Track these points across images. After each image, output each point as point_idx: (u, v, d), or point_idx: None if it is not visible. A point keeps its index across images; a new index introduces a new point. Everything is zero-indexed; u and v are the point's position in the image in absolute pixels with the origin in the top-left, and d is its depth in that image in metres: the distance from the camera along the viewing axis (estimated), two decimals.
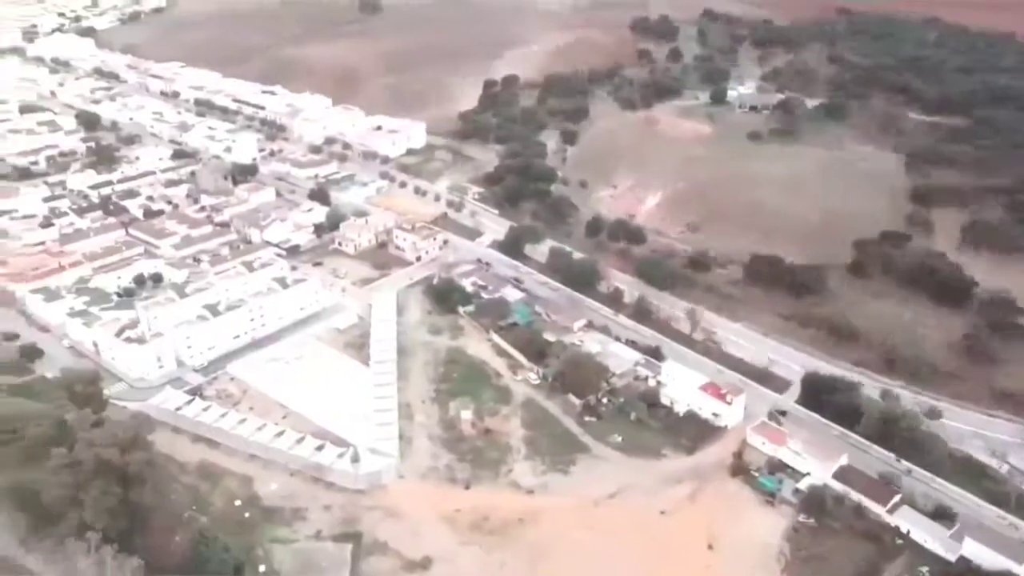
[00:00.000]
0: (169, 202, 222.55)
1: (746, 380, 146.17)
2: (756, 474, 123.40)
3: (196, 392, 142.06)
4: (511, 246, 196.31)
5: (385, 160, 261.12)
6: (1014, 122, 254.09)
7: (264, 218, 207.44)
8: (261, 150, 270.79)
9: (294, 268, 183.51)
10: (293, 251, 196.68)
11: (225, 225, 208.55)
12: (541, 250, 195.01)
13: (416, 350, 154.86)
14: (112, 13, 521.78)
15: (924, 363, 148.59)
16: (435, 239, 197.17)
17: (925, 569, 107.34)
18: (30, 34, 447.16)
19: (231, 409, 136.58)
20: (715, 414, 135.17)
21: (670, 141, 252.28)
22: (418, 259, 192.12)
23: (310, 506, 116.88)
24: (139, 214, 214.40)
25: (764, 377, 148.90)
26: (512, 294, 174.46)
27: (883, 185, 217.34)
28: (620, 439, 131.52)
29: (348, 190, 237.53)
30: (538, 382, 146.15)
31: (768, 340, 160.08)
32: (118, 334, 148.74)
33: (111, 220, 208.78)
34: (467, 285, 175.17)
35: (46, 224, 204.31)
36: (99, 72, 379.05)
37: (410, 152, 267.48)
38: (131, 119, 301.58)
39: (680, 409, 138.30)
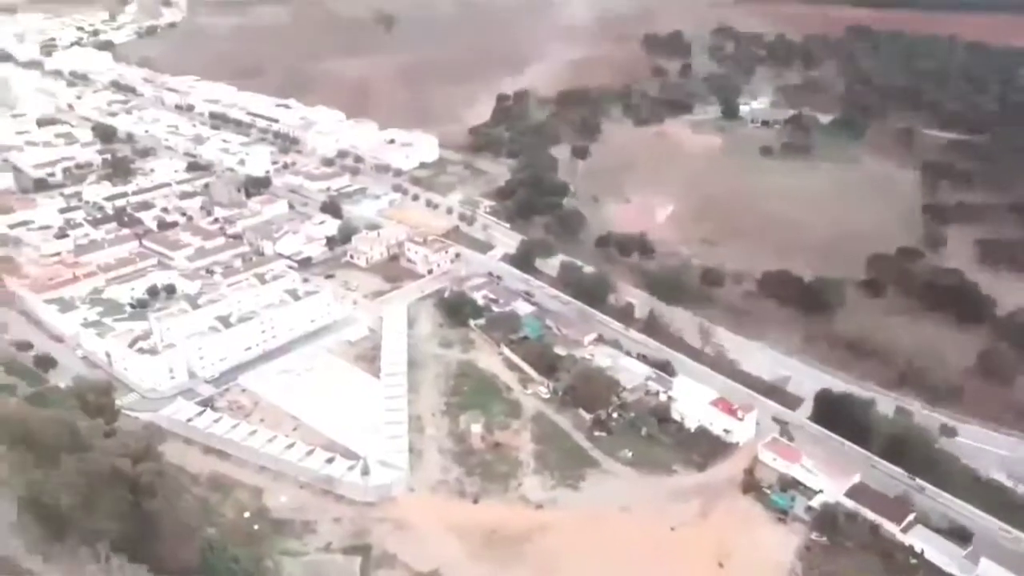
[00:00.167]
0: (183, 214, 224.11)
1: (757, 396, 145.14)
2: (768, 491, 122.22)
3: (207, 403, 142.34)
4: (522, 260, 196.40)
5: (398, 173, 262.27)
6: None
7: (277, 230, 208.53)
8: (274, 163, 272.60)
9: (306, 280, 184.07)
10: (305, 263, 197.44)
11: (238, 237, 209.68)
12: (552, 264, 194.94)
13: (427, 363, 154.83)
14: (129, 27, 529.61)
15: (939, 380, 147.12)
16: (447, 252, 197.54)
17: None
18: (48, 48, 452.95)
19: (242, 421, 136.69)
20: (726, 430, 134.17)
21: (682, 155, 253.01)
22: (429, 272, 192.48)
23: (320, 518, 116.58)
24: (153, 226, 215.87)
25: (776, 393, 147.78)
26: (523, 307, 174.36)
27: (898, 201, 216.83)
28: (630, 454, 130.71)
29: (360, 203, 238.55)
30: (548, 396, 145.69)
31: (781, 355, 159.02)
32: (131, 345, 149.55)
33: (125, 231, 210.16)
34: (478, 298, 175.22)
35: (61, 235, 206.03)
36: (116, 85, 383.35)
37: (422, 165, 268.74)
38: (147, 132, 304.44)
39: (691, 424, 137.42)
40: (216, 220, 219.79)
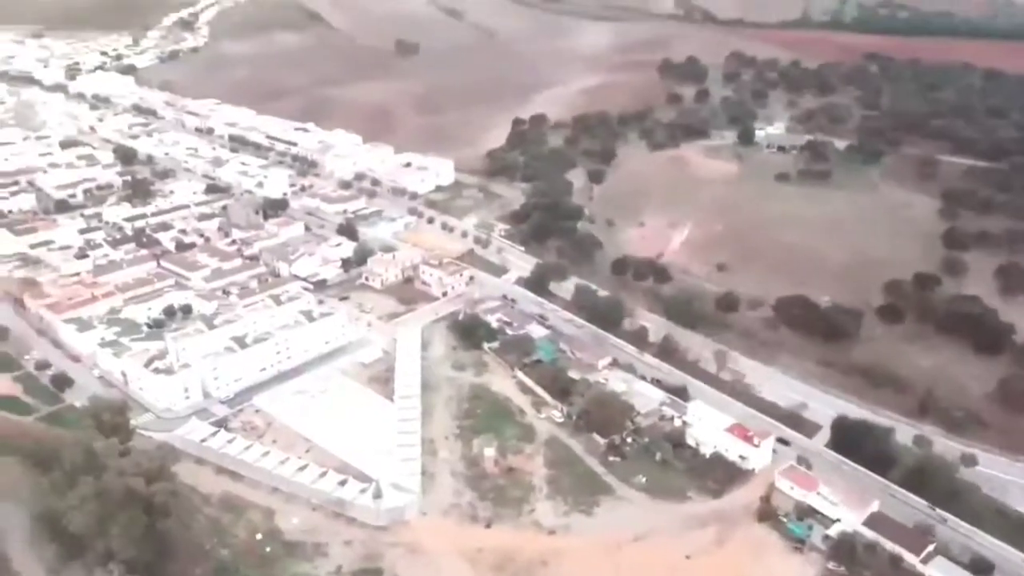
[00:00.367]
0: (201, 235, 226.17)
1: (774, 422, 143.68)
2: (784, 519, 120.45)
3: (221, 424, 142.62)
4: (537, 283, 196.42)
5: (413, 196, 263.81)
6: None
7: (293, 252, 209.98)
8: (292, 185, 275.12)
9: (321, 302, 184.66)
10: (320, 285, 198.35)
11: (255, 258, 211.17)
12: (567, 287, 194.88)
13: (440, 386, 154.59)
14: (152, 52, 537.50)
15: (959, 409, 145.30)
16: (461, 275, 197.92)
17: None
18: (73, 72, 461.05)
19: (255, 441, 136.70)
20: (742, 456, 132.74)
21: (697, 180, 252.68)
22: (444, 295, 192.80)
23: (331, 541, 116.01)
24: (171, 247, 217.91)
25: (793, 420, 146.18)
26: (537, 331, 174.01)
27: (916, 229, 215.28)
28: (645, 480, 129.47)
29: (376, 225, 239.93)
30: (562, 420, 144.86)
31: (797, 382, 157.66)
32: (146, 364, 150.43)
33: (144, 252, 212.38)
34: (492, 321, 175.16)
35: (81, 255, 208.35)
36: (137, 108, 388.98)
37: (438, 189, 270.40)
38: (166, 154, 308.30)
39: (706, 451, 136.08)
40: (233, 241, 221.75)
